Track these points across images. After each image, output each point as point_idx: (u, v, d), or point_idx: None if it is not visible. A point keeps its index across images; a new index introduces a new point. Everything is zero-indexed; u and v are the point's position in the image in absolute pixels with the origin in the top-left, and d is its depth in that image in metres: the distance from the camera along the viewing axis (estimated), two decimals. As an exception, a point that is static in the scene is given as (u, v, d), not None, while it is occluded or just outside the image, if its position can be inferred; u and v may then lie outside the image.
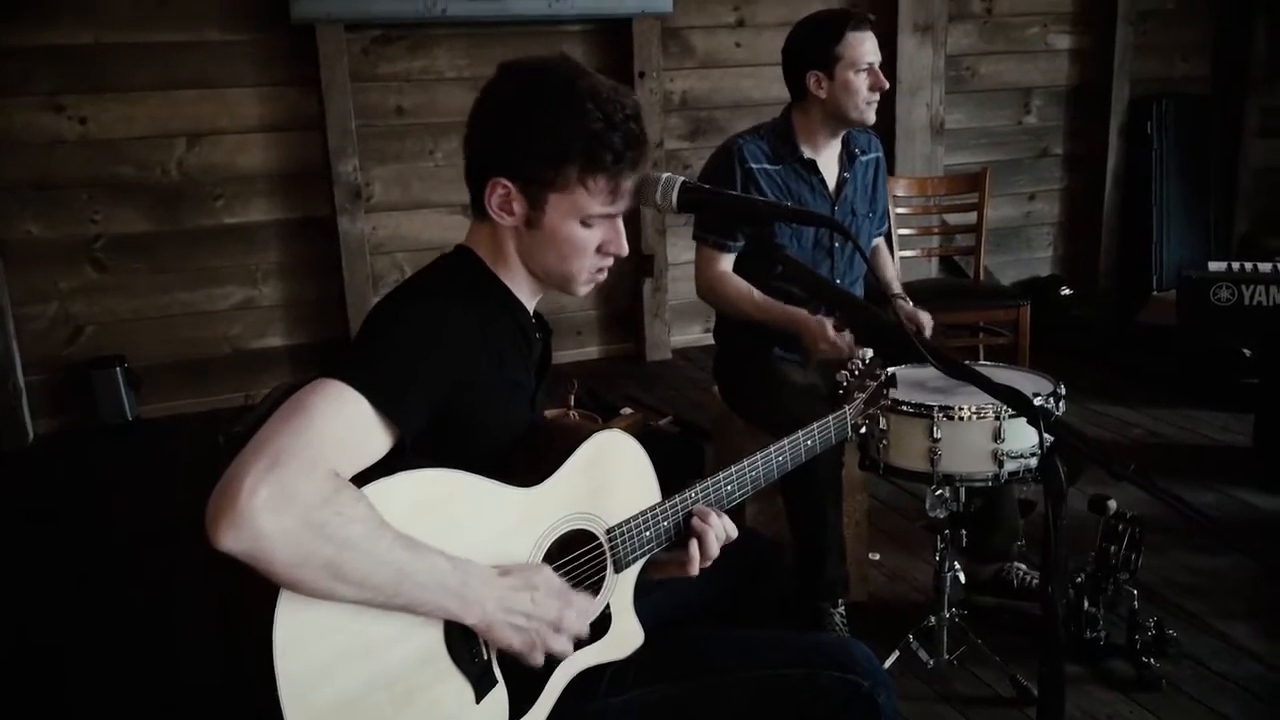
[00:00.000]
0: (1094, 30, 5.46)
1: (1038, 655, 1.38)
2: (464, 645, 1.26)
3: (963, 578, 2.34)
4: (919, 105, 5.12)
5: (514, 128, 1.36)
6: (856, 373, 1.81)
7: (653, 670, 1.48)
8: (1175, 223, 5.50)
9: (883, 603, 2.73)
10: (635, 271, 4.90)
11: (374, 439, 1.21)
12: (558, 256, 1.41)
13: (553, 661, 1.34)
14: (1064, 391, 2.13)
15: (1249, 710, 2.25)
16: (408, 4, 4.27)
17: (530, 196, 1.37)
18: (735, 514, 1.53)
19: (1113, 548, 2.35)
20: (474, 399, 1.34)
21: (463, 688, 1.26)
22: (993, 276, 4.79)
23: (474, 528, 1.28)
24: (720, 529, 1.47)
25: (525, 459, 1.39)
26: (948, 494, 2.18)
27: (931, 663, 2.33)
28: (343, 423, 1.18)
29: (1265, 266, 4.07)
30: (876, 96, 2.52)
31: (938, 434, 2.06)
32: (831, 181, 2.64)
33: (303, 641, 1.13)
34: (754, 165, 2.54)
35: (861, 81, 2.49)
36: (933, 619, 2.33)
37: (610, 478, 1.43)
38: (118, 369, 4.15)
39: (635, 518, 1.43)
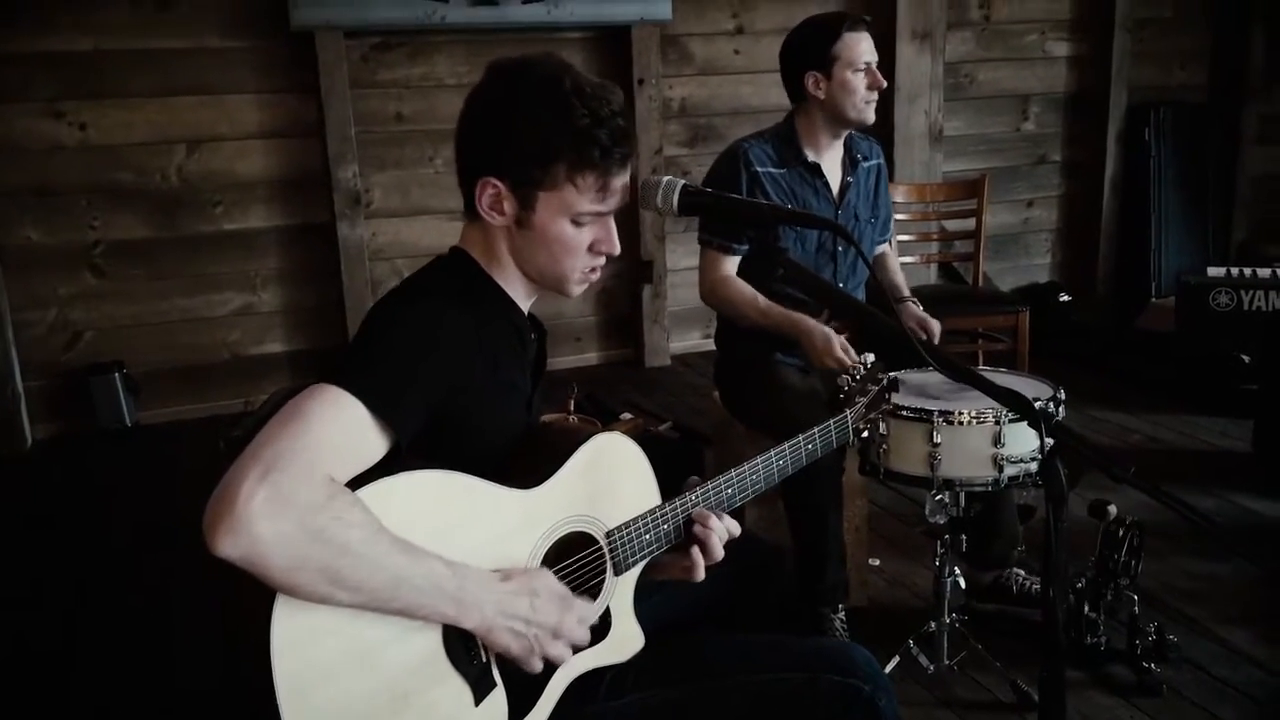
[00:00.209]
0: (1092, 38, 5.47)
1: (1038, 660, 1.37)
2: (463, 647, 1.26)
3: (963, 583, 2.34)
4: (918, 112, 5.12)
5: (502, 127, 1.36)
6: (858, 377, 1.80)
7: (653, 674, 1.47)
8: (1173, 230, 5.50)
9: (883, 608, 2.73)
10: (634, 278, 4.90)
11: (370, 443, 1.21)
12: (549, 256, 1.41)
13: (552, 665, 1.33)
14: (1064, 396, 2.13)
15: (1249, 715, 2.24)
16: (407, 11, 4.28)
17: (520, 196, 1.37)
18: (735, 518, 1.53)
19: (1113, 553, 2.35)
20: (469, 402, 1.33)
21: (461, 690, 1.26)
22: (992, 283, 4.80)
23: (472, 530, 1.27)
24: (723, 530, 1.47)
25: (524, 461, 1.38)
26: (948, 499, 2.17)
27: (932, 668, 2.32)
28: (339, 428, 1.18)
29: (1264, 272, 4.08)
30: (875, 95, 2.53)
31: (938, 439, 2.05)
32: (835, 185, 2.65)
33: (300, 644, 1.12)
34: (759, 169, 2.55)
35: (859, 80, 2.50)
36: (933, 624, 2.32)
37: (610, 480, 1.43)
38: (116, 374, 4.15)
39: (635, 520, 1.43)
